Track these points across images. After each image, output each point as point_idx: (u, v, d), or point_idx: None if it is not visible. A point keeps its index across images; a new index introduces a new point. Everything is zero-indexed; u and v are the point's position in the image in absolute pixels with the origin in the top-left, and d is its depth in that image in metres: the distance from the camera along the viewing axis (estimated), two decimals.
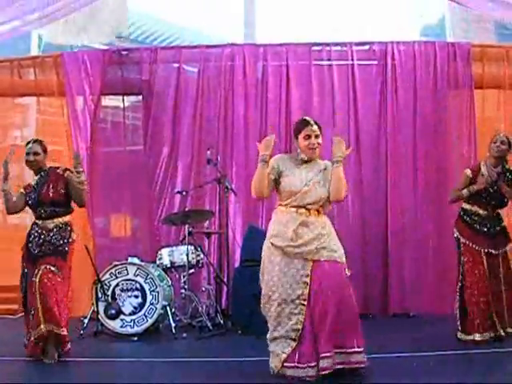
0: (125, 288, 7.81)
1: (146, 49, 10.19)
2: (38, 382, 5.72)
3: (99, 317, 7.66)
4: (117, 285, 7.83)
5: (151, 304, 7.75)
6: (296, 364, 5.30)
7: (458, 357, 6.37)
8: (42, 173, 6.61)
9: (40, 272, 6.27)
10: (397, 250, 9.28)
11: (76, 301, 9.13)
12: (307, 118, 5.83)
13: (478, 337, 6.78)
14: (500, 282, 6.96)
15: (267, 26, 11.51)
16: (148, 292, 7.78)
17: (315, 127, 5.65)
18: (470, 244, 6.98)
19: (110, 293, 7.78)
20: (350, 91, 9.65)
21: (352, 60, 9.72)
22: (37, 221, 6.54)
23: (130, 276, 7.85)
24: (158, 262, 8.34)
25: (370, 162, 9.55)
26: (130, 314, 7.75)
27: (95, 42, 12.50)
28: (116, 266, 7.89)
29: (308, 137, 5.63)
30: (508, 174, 7.08)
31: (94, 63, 9.62)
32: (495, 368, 5.99)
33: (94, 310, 7.75)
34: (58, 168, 6.68)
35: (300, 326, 5.33)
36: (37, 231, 6.47)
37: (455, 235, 7.15)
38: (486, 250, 6.93)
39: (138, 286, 7.81)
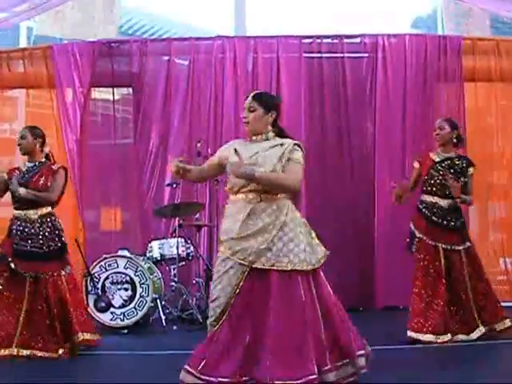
0: (115, 281, 7.82)
1: (136, 41, 10.11)
2: (27, 377, 5.69)
3: (89, 310, 7.63)
4: (107, 278, 7.84)
5: (141, 297, 7.75)
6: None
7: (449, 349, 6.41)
8: (37, 163, 6.55)
9: (48, 284, 6.31)
10: (384, 243, 9.29)
11: None
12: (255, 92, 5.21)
13: (430, 338, 6.53)
14: (464, 280, 6.69)
15: (257, 19, 11.47)
16: (138, 285, 7.78)
17: (249, 99, 4.98)
18: (426, 239, 6.73)
19: (99, 286, 7.78)
20: (340, 84, 9.66)
21: (342, 53, 9.73)
22: (17, 212, 6.43)
23: (120, 269, 7.85)
24: (148, 255, 8.34)
25: (358, 153, 9.57)
26: (120, 307, 7.76)
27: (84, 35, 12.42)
28: (106, 258, 7.89)
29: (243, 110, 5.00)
30: (456, 160, 6.91)
31: (83, 55, 9.56)
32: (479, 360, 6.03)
33: None
34: (53, 164, 6.66)
35: (216, 324, 4.62)
36: (19, 224, 6.38)
37: (411, 229, 6.90)
38: (444, 246, 6.70)
39: (128, 278, 7.82)
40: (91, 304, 7.68)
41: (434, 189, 6.83)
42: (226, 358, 4.51)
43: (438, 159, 6.93)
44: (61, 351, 6.23)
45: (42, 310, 6.26)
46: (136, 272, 7.81)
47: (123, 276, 7.83)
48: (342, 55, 9.71)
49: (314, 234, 4.89)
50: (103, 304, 7.66)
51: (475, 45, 9.68)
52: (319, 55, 9.73)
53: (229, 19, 10.78)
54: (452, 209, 6.82)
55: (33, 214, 6.39)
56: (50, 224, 6.46)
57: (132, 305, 7.75)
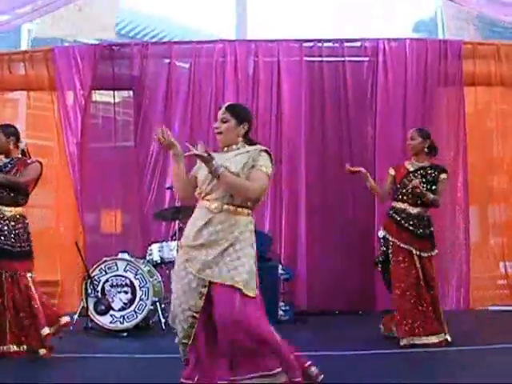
0: (114, 284, 7.79)
1: (137, 44, 10.13)
2: (27, 379, 5.69)
3: (89, 313, 7.66)
4: (106, 280, 7.81)
5: (141, 300, 7.74)
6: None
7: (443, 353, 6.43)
8: (14, 158, 6.55)
9: (20, 282, 6.33)
10: None
11: (66, 296, 9.20)
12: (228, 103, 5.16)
13: (424, 340, 6.62)
14: (435, 286, 6.85)
15: (258, 22, 11.48)
16: (138, 288, 7.76)
17: (222, 110, 4.95)
18: (399, 243, 6.82)
19: (99, 288, 7.76)
20: (340, 87, 9.67)
21: (343, 56, 9.74)
22: None
23: (120, 272, 7.83)
24: (148, 258, 8.33)
25: (359, 157, 9.56)
26: (120, 310, 7.74)
27: (84, 37, 12.43)
28: (106, 261, 7.87)
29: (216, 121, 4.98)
30: (429, 169, 6.98)
31: (84, 58, 9.57)
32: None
33: (83, 306, 7.74)
34: (29, 159, 6.65)
35: (187, 341, 4.64)
36: None
37: (382, 235, 7.04)
38: (417, 253, 6.79)
39: (127, 281, 7.79)
40: (91, 307, 7.68)
41: (406, 197, 6.92)
42: (216, 368, 4.57)
43: (412, 169, 7.02)
44: (42, 352, 6.27)
45: (21, 307, 6.29)
46: (136, 275, 7.79)
47: (123, 279, 7.81)
48: (342, 59, 9.72)
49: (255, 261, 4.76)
50: (103, 307, 7.65)
51: (475, 49, 9.70)
52: (320, 59, 9.73)
53: (230, 23, 10.80)
54: (421, 217, 6.91)
55: (8, 211, 6.38)
56: (22, 225, 6.46)
57: (132, 308, 7.73)
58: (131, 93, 10.12)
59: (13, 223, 6.38)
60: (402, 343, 6.59)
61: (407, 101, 9.57)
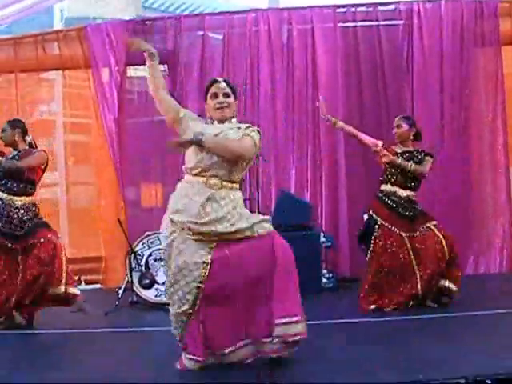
0: (158, 258, 7.83)
1: (170, 17, 10.13)
2: (68, 354, 5.77)
3: (134, 287, 7.72)
4: (150, 255, 7.87)
5: None
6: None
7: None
8: (22, 150, 6.85)
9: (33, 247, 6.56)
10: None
11: (110, 272, 9.28)
12: (219, 77, 5.17)
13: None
14: (434, 260, 6.86)
15: None
16: None
17: (223, 84, 4.95)
18: (389, 226, 6.91)
19: (143, 263, 7.82)
20: (376, 52, 9.56)
21: (377, 21, 9.62)
22: (2, 194, 6.67)
23: (163, 245, 7.87)
24: None
25: None
26: (164, 284, 7.78)
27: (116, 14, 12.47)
28: (148, 236, 7.92)
29: (215, 95, 4.95)
30: (415, 152, 7.13)
31: (118, 34, 9.55)
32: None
33: (128, 281, 7.81)
34: (35, 148, 6.96)
35: (191, 311, 4.74)
36: (4, 208, 6.64)
37: (369, 215, 7.10)
38: (407, 234, 6.90)
39: None
40: (135, 281, 7.74)
41: (395, 178, 7.05)
42: (225, 333, 4.70)
43: (399, 150, 7.15)
44: (18, 319, 6.57)
45: (30, 276, 6.50)
46: None
47: None
48: (377, 23, 9.60)
49: None
50: (147, 281, 7.71)
51: None
52: (354, 24, 9.62)
53: None
54: (410, 200, 7.04)
55: (18, 200, 6.68)
56: (32, 213, 6.74)
57: None
58: (166, 66, 10.11)
59: (22, 211, 6.66)
60: (370, 307, 6.88)
61: (444, 63, 9.42)
